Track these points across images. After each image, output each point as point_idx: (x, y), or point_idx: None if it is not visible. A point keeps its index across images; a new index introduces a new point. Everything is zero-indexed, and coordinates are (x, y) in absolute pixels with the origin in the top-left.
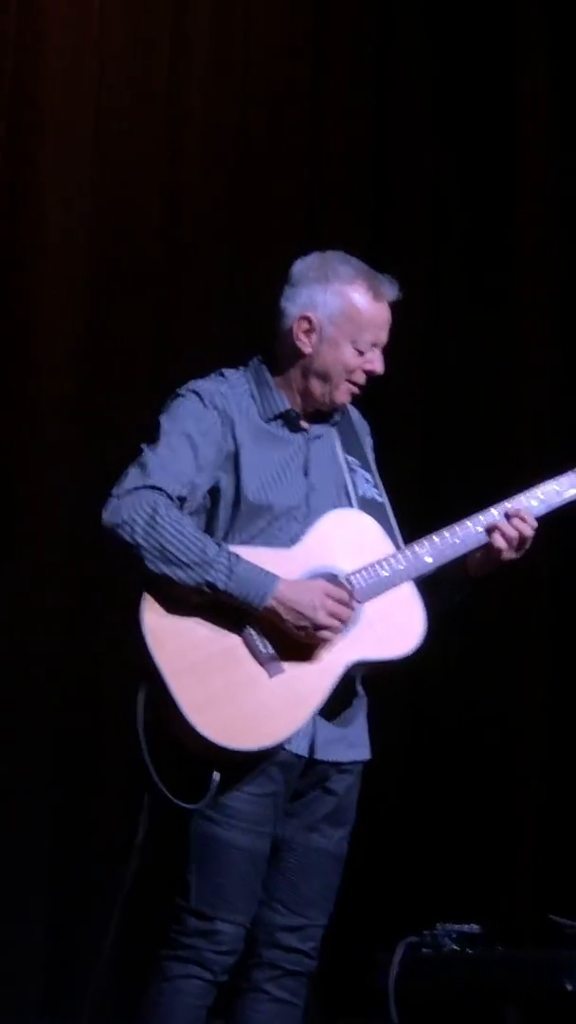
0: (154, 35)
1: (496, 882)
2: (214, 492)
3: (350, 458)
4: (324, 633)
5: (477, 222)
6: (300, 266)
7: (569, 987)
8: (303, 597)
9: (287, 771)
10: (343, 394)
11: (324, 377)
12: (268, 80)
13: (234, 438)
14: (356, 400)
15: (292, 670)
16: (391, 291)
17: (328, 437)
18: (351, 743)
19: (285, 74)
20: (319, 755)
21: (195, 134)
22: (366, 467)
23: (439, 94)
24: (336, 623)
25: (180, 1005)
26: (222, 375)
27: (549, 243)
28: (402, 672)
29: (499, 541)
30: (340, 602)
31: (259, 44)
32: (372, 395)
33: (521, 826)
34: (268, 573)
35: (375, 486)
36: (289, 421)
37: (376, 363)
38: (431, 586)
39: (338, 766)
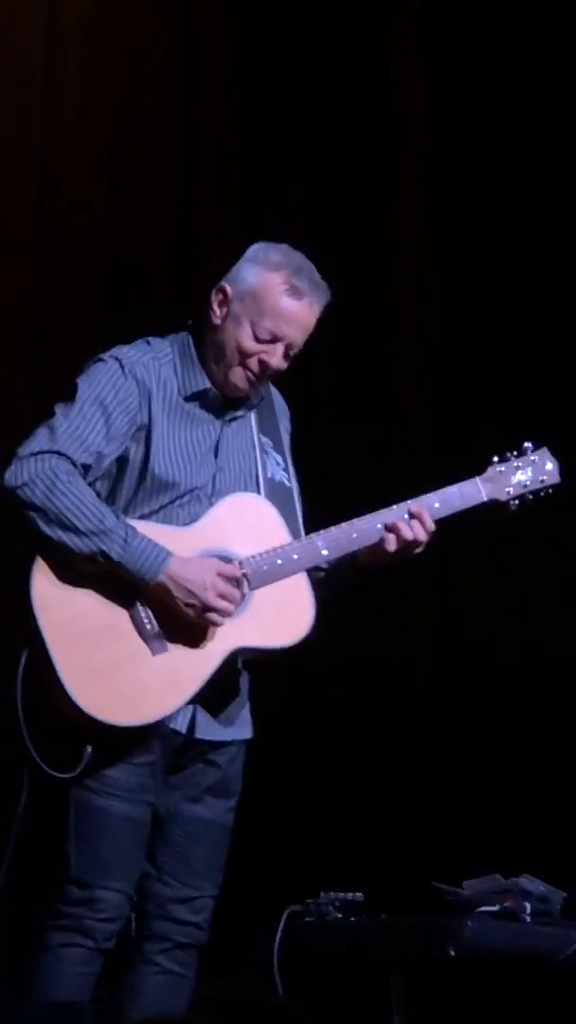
0: (25, 58)
1: (379, 850)
2: (122, 461)
3: (264, 439)
4: (212, 615)
5: (352, 211)
6: (251, 247)
7: (453, 953)
8: (195, 575)
9: (165, 742)
10: (236, 376)
11: (220, 353)
12: (142, 66)
13: (149, 411)
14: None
15: (175, 650)
16: (310, 294)
17: (246, 419)
18: (231, 722)
19: (160, 50)
20: (199, 734)
21: (68, 129)
22: (279, 450)
23: (315, 79)
24: (226, 604)
25: (64, 973)
26: (148, 343)
27: (424, 228)
28: (287, 654)
29: (392, 543)
30: (231, 583)
31: (132, 33)
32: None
33: (402, 794)
34: (162, 548)
35: (285, 469)
36: (207, 401)
37: (273, 357)
38: (327, 573)
39: (220, 746)
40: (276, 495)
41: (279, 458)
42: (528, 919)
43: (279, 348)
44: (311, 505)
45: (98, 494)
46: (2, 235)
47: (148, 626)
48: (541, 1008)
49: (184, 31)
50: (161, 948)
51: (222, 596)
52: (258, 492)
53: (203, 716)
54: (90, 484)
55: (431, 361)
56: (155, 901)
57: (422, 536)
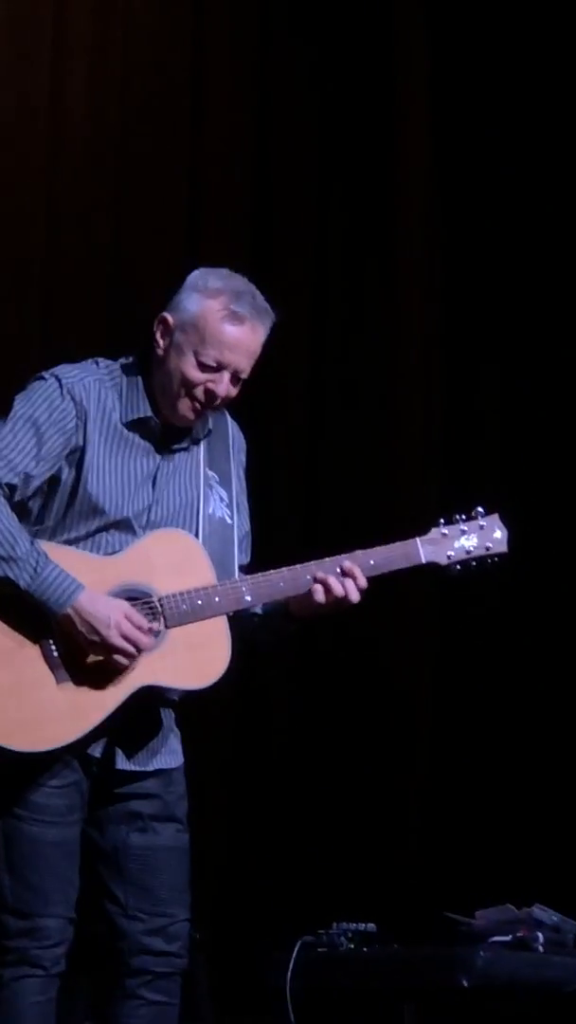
0: (35, 47)
1: (391, 880)
2: (54, 482)
3: (211, 473)
4: (116, 656)
5: (358, 233)
6: (191, 274)
7: (466, 984)
8: (101, 612)
9: (86, 763)
10: (184, 407)
11: (166, 384)
12: (148, 87)
13: (84, 433)
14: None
15: (81, 680)
16: (252, 318)
17: (192, 452)
18: (154, 754)
19: (165, 81)
20: (119, 765)
21: (75, 145)
22: (226, 485)
23: (321, 101)
24: (128, 647)
25: (22, 1006)
26: (96, 364)
27: (430, 243)
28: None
29: (320, 595)
30: (139, 627)
31: (139, 48)
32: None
33: (414, 824)
34: (74, 581)
35: (228, 505)
36: (148, 430)
37: (219, 385)
38: (262, 618)
39: (143, 776)
40: (214, 532)
41: (224, 493)
42: (541, 949)
43: (225, 376)
44: (317, 536)
45: (30, 512)
46: (9, 251)
47: (55, 654)
48: None
49: (193, 52)
50: (142, 981)
51: (125, 637)
52: (196, 527)
53: (124, 748)
54: (22, 502)
55: (437, 404)
56: (128, 938)
57: (353, 594)
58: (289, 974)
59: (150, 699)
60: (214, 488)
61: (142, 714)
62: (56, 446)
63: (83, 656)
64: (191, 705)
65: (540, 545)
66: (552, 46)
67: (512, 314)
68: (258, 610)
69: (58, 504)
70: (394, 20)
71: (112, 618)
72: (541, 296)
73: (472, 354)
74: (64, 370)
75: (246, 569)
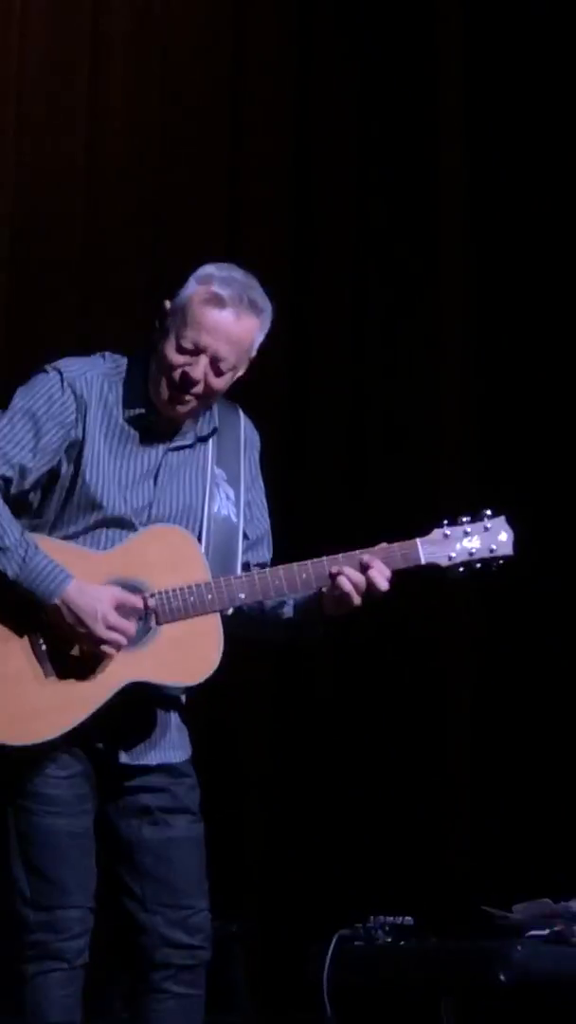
0: (74, 41)
1: (428, 873)
2: (53, 475)
3: (219, 471)
4: (104, 647)
5: (398, 231)
6: None
7: (503, 978)
8: (89, 603)
9: (92, 755)
10: (163, 392)
11: (153, 369)
12: (189, 85)
13: (84, 427)
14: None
15: (68, 674)
16: (236, 305)
17: (199, 448)
18: (153, 747)
19: (205, 81)
20: (123, 759)
21: (115, 142)
22: (233, 483)
23: (361, 103)
24: (115, 636)
25: (48, 1001)
26: (102, 358)
27: (467, 243)
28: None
29: (345, 585)
30: (128, 615)
31: (179, 49)
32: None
33: (451, 817)
34: (63, 572)
35: (235, 504)
36: (148, 425)
37: (195, 369)
38: (296, 619)
39: (148, 770)
40: (219, 530)
41: (231, 492)
42: None
43: (202, 360)
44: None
45: (30, 505)
46: (49, 253)
47: (42, 646)
48: None
49: (232, 58)
50: (166, 975)
51: (112, 628)
52: (200, 525)
53: (121, 743)
54: (20, 495)
55: (474, 404)
56: (149, 933)
57: (381, 582)
58: (326, 967)
59: (147, 694)
60: (221, 486)
61: (140, 709)
62: (54, 439)
63: (71, 649)
64: (232, 700)
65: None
66: None
67: (548, 314)
68: (289, 614)
69: (57, 498)
70: (435, 29)
71: (99, 608)
72: None
73: (509, 353)
74: (67, 363)
75: (269, 566)
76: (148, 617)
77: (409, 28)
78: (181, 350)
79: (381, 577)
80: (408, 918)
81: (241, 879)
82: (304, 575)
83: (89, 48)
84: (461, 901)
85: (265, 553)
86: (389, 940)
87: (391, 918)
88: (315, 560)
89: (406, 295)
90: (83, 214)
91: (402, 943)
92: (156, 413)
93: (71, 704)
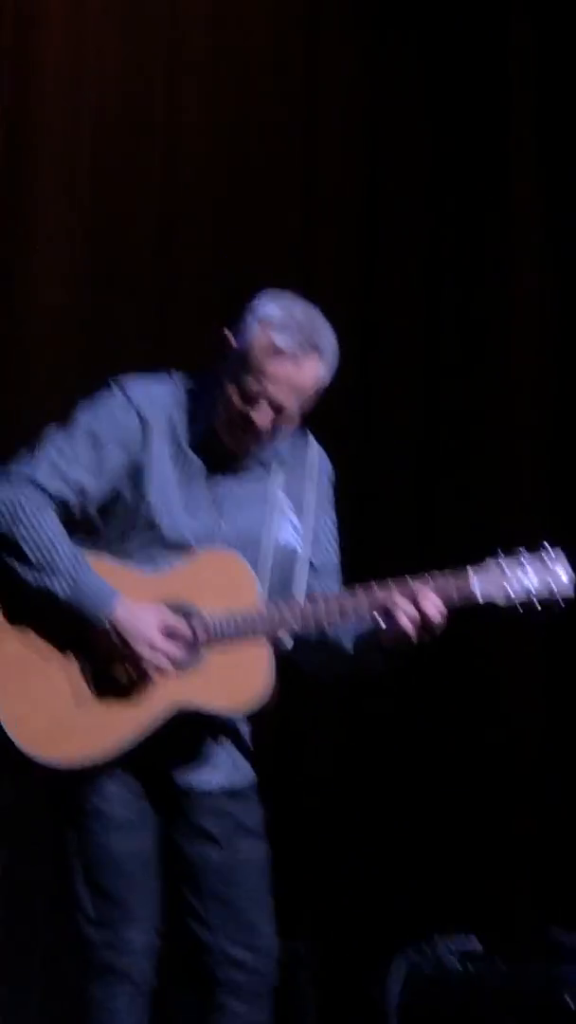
0: (150, 63)
1: (493, 891)
2: (115, 496)
3: (286, 500)
4: (149, 670)
5: (472, 265)
6: (257, 297)
7: (572, 1005)
8: (136, 625)
9: (151, 777)
10: (224, 431)
11: (216, 404)
12: (264, 111)
13: (146, 450)
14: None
15: (113, 696)
16: (297, 353)
17: (265, 476)
18: (217, 769)
19: (281, 108)
20: (181, 783)
21: (189, 160)
22: (299, 512)
23: (433, 129)
24: (161, 660)
25: (111, 1014)
26: (170, 375)
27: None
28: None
29: (401, 619)
30: (175, 640)
31: (254, 62)
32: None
33: (518, 834)
34: (112, 593)
35: (300, 533)
36: (212, 449)
37: (259, 415)
38: (356, 653)
39: (209, 793)
40: (280, 559)
41: (296, 521)
42: None
43: (266, 408)
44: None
45: (92, 524)
46: (126, 266)
47: (92, 666)
48: None
49: (305, 68)
50: (229, 994)
51: (157, 650)
52: (259, 553)
53: (181, 766)
54: (82, 515)
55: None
56: (213, 952)
57: (434, 614)
58: (394, 993)
59: (203, 719)
60: (286, 516)
61: (198, 732)
62: (116, 462)
63: (117, 670)
64: (296, 723)
65: None
66: None
67: None
68: (349, 647)
69: (118, 519)
70: (508, 60)
71: (146, 634)
72: None
73: None
74: (132, 382)
75: None
76: (196, 642)
77: (482, 57)
78: (244, 397)
79: (433, 607)
80: (474, 939)
81: (306, 898)
82: (355, 603)
83: (163, 71)
84: (528, 921)
85: (333, 585)
86: (459, 967)
87: (457, 941)
88: (365, 585)
89: (480, 325)
90: (157, 230)
91: (470, 967)
92: (220, 440)
93: (115, 726)
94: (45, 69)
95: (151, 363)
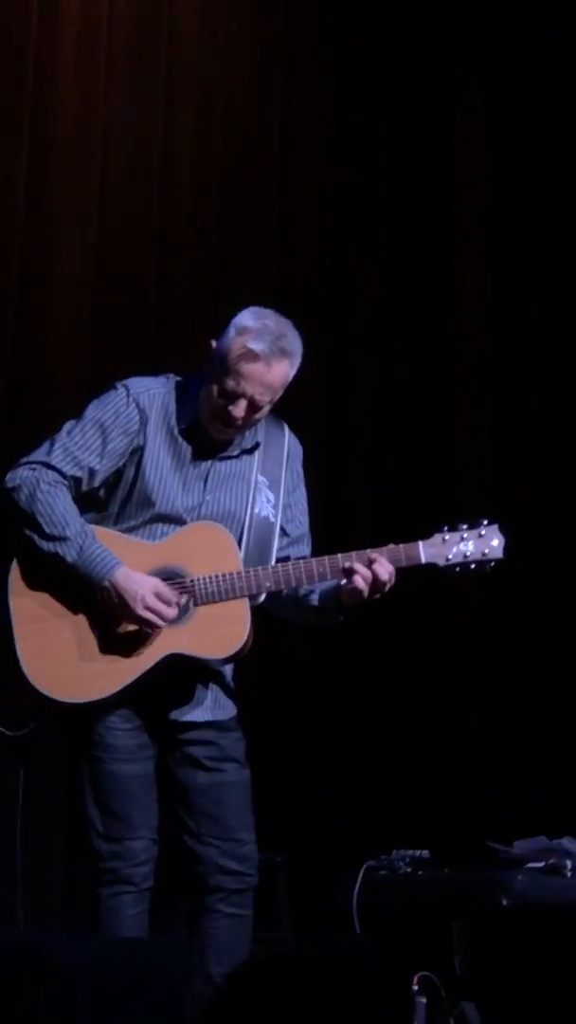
0: (151, 118)
1: (444, 815)
2: (117, 475)
3: (261, 478)
4: (143, 625)
5: (420, 280)
6: (240, 312)
7: (505, 903)
8: (132, 588)
9: (147, 712)
10: (210, 423)
11: (202, 401)
12: (245, 150)
13: (145, 436)
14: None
15: (116, 645)
16: (268, 356)
17: (245, 459)
18: (202, 705)
19: (258, 147)
20: (173, 716)
21: (182, 192)
22: (274, 488)
23: (388, 158)
24: (152, 617)
25: (118, 919)
26: (166, 378)
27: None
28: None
29: (358, 581)
30: (166, 599)
31: (236, 121)
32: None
33: (465, 768)
34: (113, 559)
35: (274, 507)
36: (198, 437)
37: (236, 410)
38: (320, 607)
39: (197, 725)
40: (259, 528)
41: (272, 496)
42: (569, 874)
43: (242, 403)
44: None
45: (99, 500)
46: (129, 284)
47: (99, 620)
48: None
49: (281, 116)
50: (219, 898)
51: (150, 609)
52: (242, 524)
53: (173, 703)
54: (91, 491)
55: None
56: (204, 863)
57: (384, 574)
58: (356, 893)
59: (193, 664)
60: (263, 491)
61: (188, 675)
62: (119, 446)
63: (117, 625)
64: (277, 669)
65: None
66: None
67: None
68: (315, 602)
69: (120, 495)
70: (454, 107)
71: (139, 593)
72: None
73: (516, 389)
74: (133, 381)
75: None
76: (187, 600)
77: (431, 95)
78: (223, 394)
79: (385, 572)
80: (425, 852)
81: (284, 817)
82: (320, 568)
83: (162, 124)
84: (471, 838)
85: (305, 550)
86: (409, 871)
87: (411, 852)
88: (331, 556)
89: (426, 333)
90: (156, 260)
91: (420, 873)
92: (205, 429)
93: (117, 671)
94: (62, 118)
95: (149, 367)
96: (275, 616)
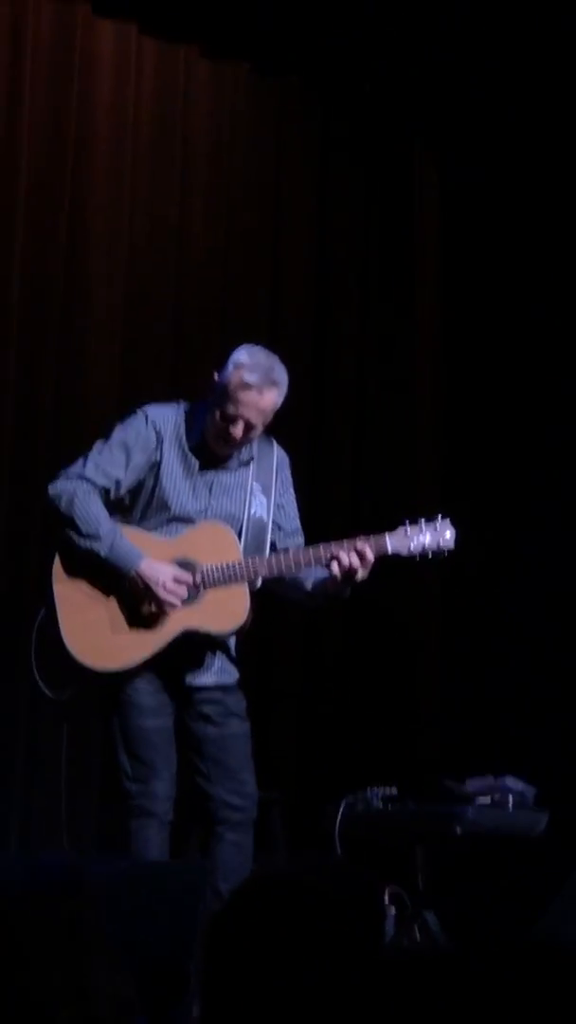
0: (166, 190)
1: (408, 756)
2: (139, 486)
3: (256, 485)
4: (164, 605)
5: (385, 322)
6: (237, 348)
7: (459, 832)
8: (154, 575)
9: (167, 678)
10: (213, 441)
11: (209, 422)
12: (244, 221)
13: (161, 453)
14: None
15: (140, 624)
16: (260, 386)
17: (242, 471)
18: (211, 671)
19: (256, 217)
20: (187, 680)
21: (195, 255)
22: (266, 493)
23: (364, 239)
24: (172, 599)
25: (145, 846)
26: (177, 403)
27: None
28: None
29: (334, 567)
30: (181, 584)
31: (239, 197)
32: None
33: (426, 716)
34: (138, 552)
35: (266, 509)
36: (204, 453)
37: (236, 430)
38: (311, 592)
39: (207, 688)
40: (254, 527)
41: (264, 499)
42: (511, 808)
43: (240, 424)
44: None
45: (123, 503)
46: (151, 328)
47: (124, 604)
48: (521, 869)
49: (275, 202)
50: (225, 828)
51: (169, 592)
52: (242, 523)
53: (187, 670)
54: (119, 499)
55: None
56: (213, 799)
57: (356, 563)
58: (338, 824)
59: (202, 638)
60: (257, 495)
61: (199, 647)
62: (140, 461)
63: (142, 608)
64: (272, 640)
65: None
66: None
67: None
68: (309, 588)
69: (142, 501)
70: (414, 196)
71: (160, 579)
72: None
73: (470, 404)
74: (152, 407)
75: None
76: (196, 586)
77: (394, 190)
78: (224, 418)
79: (356, 558)
80: (393, 788)
81: (279, 761)
82: (306, 556)
83: (179, 197)
84: (431, 777)
85: (299, 540)
86: (381, 805)
87: (381, 788)
88: (314, 545)
89: (390, 366)
90: (173, 308)
91: (389, 807)
92: (210, 446)
93: (143, 643)
94: (95, 194)
95: (166, 394)
96: (282, 598)
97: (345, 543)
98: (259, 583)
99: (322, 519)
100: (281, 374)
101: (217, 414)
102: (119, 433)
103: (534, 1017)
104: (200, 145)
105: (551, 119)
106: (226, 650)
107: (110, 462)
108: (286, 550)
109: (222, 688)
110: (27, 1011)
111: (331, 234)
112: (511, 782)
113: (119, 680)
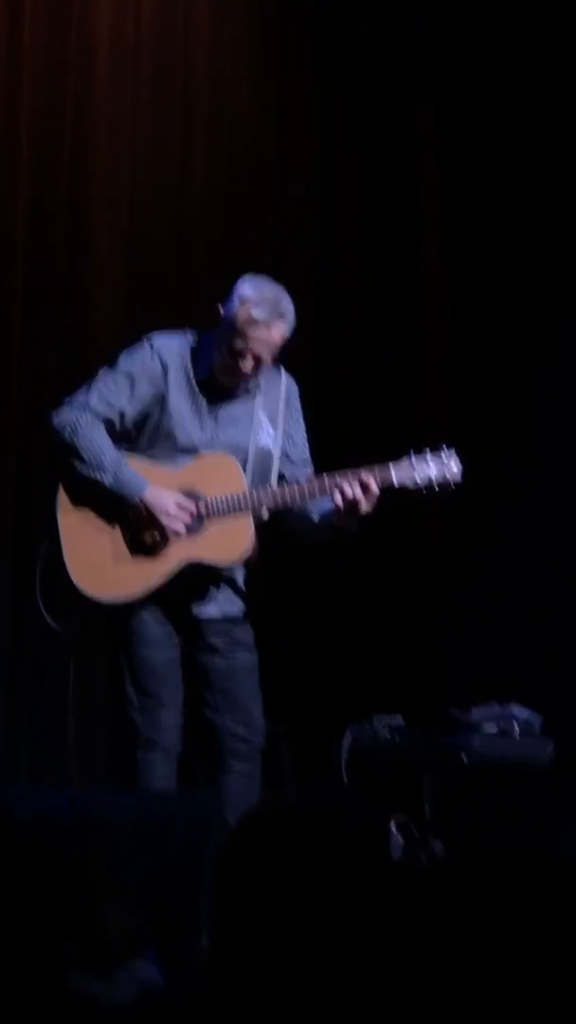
0: (168, 141)
1: (416, 686)
2: (146, 417)
3: (262, 415)
4: (168, 532)
5: (391, 255)
6: (240, 279)
7: (466, 760)
8: (159, 502)
9: (173, 609)
10: (221, 375)
11: (215, 357)
12: (247, 157)
13: (166, 384)
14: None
15: (144, 554)
16: (268, 320)
17: (249, 401)
18: (216, 602)
19: (258, 154)
20: (193, 612)
21: (196, 193)
22: (273, 423)
23: (367, 174)
24: (176, 526)
25: (152, 777)
26: (184, 333)
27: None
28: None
29: (338, 498)
30: (184, 511)
31: (241, 134)
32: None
33: (431, 646)
34: (143, 480)
35: (273, 438)
36: (210, 384)
37: (244, 363)
38: (318, 524)
39: (213, 620)
40: (260, 457)
41: (271, 429)
42: (517, 736)
43: (249, 359)
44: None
45: (130, 434)
46: (156, 264)
47: (130, 532)
48: (528, 799)
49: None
50: (232, 758)
51: (174, 518)
52: (246, 454)
53: (193, 602)
54: (125, 430)
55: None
56: (221, 730)
57: (359, 493)
58: (345, 754)
59: (209, 569)
60: (263, 426)
61: (204, 579)
62: (145, 392)
63: (145, 535)
64: (281, 572)
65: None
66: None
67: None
68: (316, 520)
69: (148, 432)
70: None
71: (164, 506)
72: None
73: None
74: (158, 336)
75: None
76: (199, 514)
77: (393, 134)
78: (232, 353)
79: (360, 489)
80: (399, 717)
81: (287, 692)
82: (311, 487)
83: (180, 129)
84: (438, 706)
85: (308, 472)
86: (387, 736)
87: (387, 717)
88: (319, 476)
89: (400, 302)
90: (176, 241)
91: (396, 738)
92: (217, 379)
93: (146, 574)
94: (97, 137)
95: (172, 324)
96: (292, 531)
97: (349, 474)
98: (265, 515)
99: (326, 449)
100: (288, 305)
101: (225, 349)
102: (124, 363)
103: (538, 926)
104: (201, 79)
105: (552, 62)
106: (232, 582)
107: (114, 392)
108: (292, 482)
109: (229, 619)
110: (36, 939)
111: (335, 160)
112: (517, 710)
113: (125, 612)
